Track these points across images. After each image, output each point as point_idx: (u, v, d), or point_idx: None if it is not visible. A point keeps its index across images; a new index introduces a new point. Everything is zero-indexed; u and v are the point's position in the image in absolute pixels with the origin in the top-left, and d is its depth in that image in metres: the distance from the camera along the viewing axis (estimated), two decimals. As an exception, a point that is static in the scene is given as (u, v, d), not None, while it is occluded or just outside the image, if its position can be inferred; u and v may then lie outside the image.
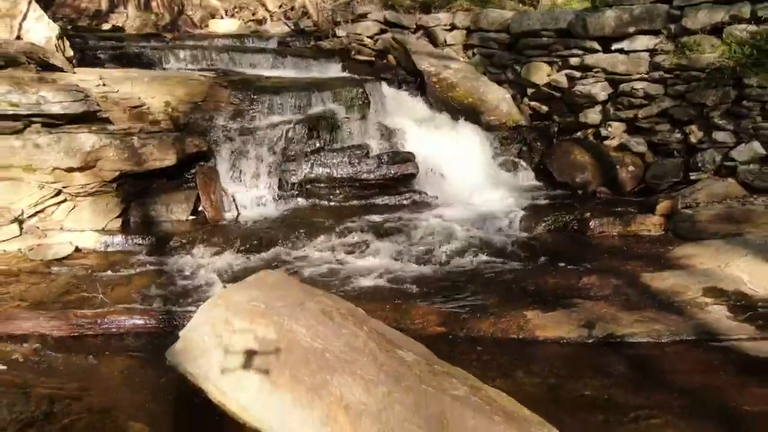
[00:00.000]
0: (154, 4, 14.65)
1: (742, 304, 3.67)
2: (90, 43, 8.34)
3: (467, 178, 6.12)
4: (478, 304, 3.80)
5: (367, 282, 4.19)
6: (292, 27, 10.79)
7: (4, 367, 3.12)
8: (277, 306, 2.75)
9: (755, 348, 3.32)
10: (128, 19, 14.04)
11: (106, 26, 12.73)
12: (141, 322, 3.53)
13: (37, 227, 4.80)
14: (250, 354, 2.58)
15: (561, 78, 6.67)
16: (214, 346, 2.66)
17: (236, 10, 14.57)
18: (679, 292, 3.80)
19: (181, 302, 3.81)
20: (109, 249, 4.77)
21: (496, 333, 3.49)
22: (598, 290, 3.91)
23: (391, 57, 8.23)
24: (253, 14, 13.70)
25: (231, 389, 2.56)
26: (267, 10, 13.50)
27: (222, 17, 14.30)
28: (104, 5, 14.70)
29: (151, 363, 3.20)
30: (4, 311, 3.57)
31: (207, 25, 13.78)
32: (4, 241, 4.61)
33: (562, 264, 4.40)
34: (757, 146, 5.17)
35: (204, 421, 2.65)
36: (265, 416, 2.48)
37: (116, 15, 14.63)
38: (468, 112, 6.89)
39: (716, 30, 5.53)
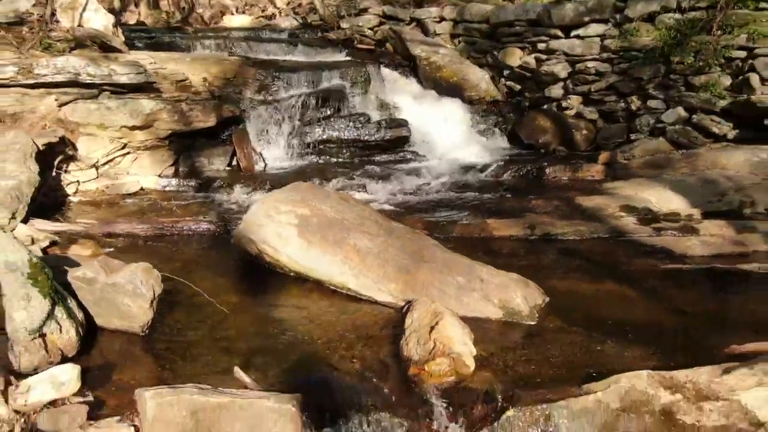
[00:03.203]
0: (163, 2, 15.77)
1: (648, 217, 4.98)
2: (124, 34, 9.60)
3: (451, 141, 7.41)
4: (452, 217, 5.12)
5: (369, 207, 5.48)
6: (301, 21, 12.03)
7: (113, 249, 4.42)
8: (309, 198, 4.03)
9: (649, 241, 4.63)
10: (140, 17, 15.21)
11: (131, 21, 13.95)
12: (206, 226, 4.84)
13: (109, 172, 6.08)
14: (293, 224, 3.86)
15: (531, 60, 7.97)
16: (268, 222, 3.93)
17: (246, 7, 15.83)
18: (602, 208, 5.11)
19: (233, 217, 5.09)
20: (167, 189, 6.06)
21: (465, 233, 4.79)
22: (543, 208, 5.22)
23: (389, 45, 9.53)
24: (263, 11, 14.94)
25: (281, 247, 3.84)
26: (276, 6, 14.75)
27: (233, 14, 15.54)
28: (116, 4, 15.87)
29: (217, 248, 4.52)
30: (113, 219, 4.89)
31: (217, 23, 14.96)
32: (85, 181, 5.88)
33: (519, 194, 5.71)
34: (680, 110, 6.47)
35: (260, 270, 3.95)
36: (305, 262, 3.77)
37: (128, 13, 15.82)
38: (453, 89, 8.15)
39: (651, 18, 6.84)
